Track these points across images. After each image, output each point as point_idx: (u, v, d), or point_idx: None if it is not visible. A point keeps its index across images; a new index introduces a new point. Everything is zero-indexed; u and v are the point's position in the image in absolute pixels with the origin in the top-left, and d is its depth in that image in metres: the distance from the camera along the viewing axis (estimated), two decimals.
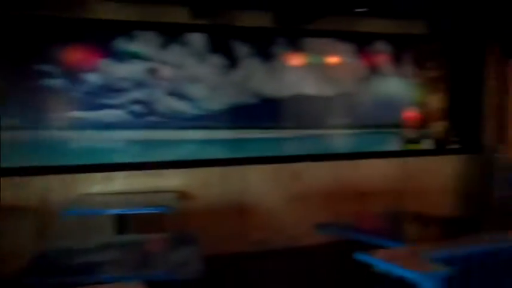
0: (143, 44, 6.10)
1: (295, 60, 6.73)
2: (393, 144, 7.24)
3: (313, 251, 6.26)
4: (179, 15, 6.12)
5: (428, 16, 6.90)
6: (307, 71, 6.78)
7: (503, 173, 7.07)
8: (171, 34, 6.19)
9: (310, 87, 6.79)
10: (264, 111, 6.56)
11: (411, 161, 7.26)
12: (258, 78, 6.53)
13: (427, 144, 7.40)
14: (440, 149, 7.46)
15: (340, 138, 6.98)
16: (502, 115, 7.27)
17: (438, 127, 7.44)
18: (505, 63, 7.21)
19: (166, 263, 4.03)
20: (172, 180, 6.15)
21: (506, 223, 6.08)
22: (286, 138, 6.70)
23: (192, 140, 6.29)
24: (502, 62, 7.21)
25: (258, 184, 6.52)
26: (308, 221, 5.72)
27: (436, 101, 7.44)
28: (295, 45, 6.72)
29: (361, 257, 3.45)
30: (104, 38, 5.96)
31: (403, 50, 7.23)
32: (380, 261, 3.37)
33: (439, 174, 7.38)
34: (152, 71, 6.13)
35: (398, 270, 3.24)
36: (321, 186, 6.76)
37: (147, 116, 6.11)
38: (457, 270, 3.29)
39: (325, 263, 5.87)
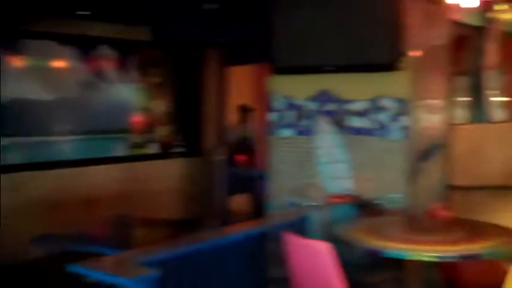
0: None
1: (13, 62, 6.29)
2: (120, 150, 7.23)
3: (33, 266, 5.89)
4: None
5: (151, 23, 7.06)
6: (27, 74, 6.38)
7: (222, 174, 7.55)
8: None
9: (30, 91, 6.40)
10: None
11: (139, 165, 7.33)
12: None
13: (152, 149, 7.55)
14: (165, 152, 7.68)
15: (64, 145, 6.73)
16: (221, 119, 7.76)
17: (163, 131, 7.65)
18: (224, 70, 7.69)
19: None
20: None
21: (224, 221, 6.52)
22: (3, 146, 6.21)
23: None
24: (221, 68, 7.69)
25: None
26: (29, 234, 5.36)
27: (160, 106, 7.64)
28: (13, 47, 6.28)
29: (73, 268, 3.32)
30: None
31: (128, 55, 7.26)
32: (90, 270, 3.28)
33: (166, 178, 7.59)
34: None
35: (107, 278, 3.19)
36: (45, 196, 6.40)
37: None
38: (169, 270, 3.38)
39: (43, 277, 5.56)
